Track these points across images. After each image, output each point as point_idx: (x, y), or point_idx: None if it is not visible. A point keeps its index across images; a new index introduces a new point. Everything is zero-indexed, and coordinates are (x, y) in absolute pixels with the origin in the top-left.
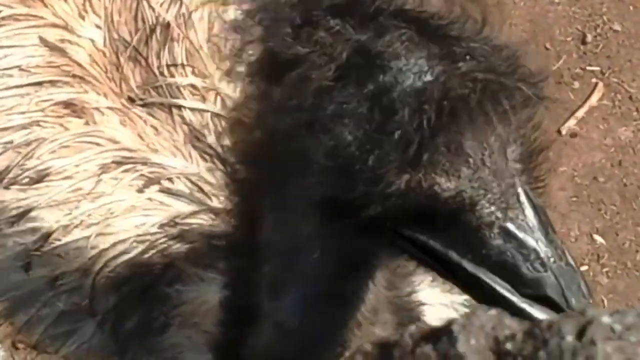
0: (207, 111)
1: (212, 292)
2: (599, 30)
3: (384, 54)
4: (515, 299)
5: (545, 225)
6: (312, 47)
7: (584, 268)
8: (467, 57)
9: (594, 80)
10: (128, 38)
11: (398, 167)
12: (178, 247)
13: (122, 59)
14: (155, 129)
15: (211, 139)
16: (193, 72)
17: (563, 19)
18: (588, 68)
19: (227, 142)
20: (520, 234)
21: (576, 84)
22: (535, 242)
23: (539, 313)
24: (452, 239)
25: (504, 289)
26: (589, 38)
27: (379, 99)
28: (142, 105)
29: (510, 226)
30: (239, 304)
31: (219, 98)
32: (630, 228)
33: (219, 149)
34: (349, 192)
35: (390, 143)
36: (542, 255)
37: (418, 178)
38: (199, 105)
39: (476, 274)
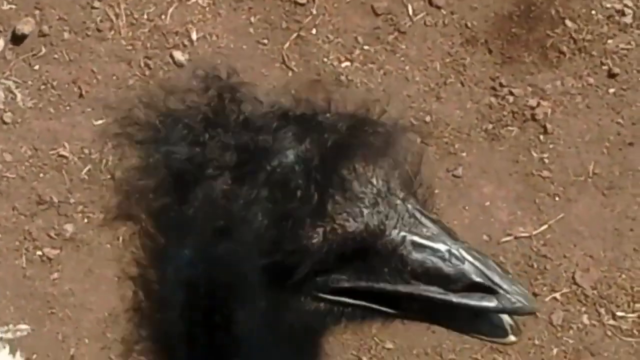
0: None
1: None
2: (373, 352)
3: (263, 144)
4: (451, 298)
5: (447, 230)
6: (205, 162)
7: None
8: (327, 127)
9: None
10: None
11: (311, 223)
12: None
13: None
14: None
15: None
16: None
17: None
18: None
19: None
20: (430, 242)
21: None
22: (444, 243)
23: (475, 302)
24: (378, 273)
25: (438, 294)
26: None
27: (273, 180)
28: None
29: (419, 239)
30: None
31: None
32: None
33: None
34: (280, 255)
35: (297, 207)
36: (454, 251)
37: (330, 226)
38: None
39: (411, 292)
